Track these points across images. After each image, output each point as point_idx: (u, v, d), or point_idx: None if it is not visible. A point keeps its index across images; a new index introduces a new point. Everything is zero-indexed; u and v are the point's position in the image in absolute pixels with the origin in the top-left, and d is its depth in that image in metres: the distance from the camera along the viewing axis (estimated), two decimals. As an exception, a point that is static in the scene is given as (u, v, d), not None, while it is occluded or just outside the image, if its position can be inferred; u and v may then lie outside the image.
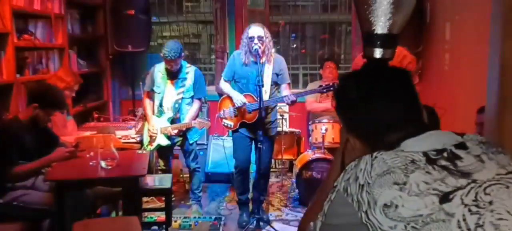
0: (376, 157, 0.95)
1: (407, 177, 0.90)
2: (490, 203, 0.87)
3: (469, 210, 0.86)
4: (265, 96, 3.70)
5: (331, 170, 1.25)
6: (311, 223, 1.05)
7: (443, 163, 0.93)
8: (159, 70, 4.08)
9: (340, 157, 1.20)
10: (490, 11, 1.41)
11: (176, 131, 3.99)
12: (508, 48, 1.29)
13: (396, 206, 0.87)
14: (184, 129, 4.02)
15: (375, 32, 1.20)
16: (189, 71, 4.08)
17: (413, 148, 0.97)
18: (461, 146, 0.98)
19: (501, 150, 1.01)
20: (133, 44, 4.96)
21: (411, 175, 0.90)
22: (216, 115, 4.01)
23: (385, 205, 0.88)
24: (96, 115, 4.87)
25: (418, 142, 0.98)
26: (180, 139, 4.12)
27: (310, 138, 4.90)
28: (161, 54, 3.92)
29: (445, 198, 0.87)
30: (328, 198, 1.00)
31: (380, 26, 1.19)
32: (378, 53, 1.22)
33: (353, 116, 1.11)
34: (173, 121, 4.06)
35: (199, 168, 4.28)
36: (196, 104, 4.11)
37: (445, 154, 0.95)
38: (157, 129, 4.02)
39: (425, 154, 0.94)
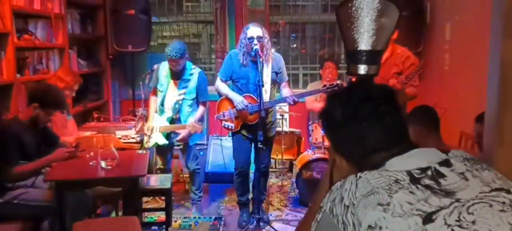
0: (360, 177, 0.95)
1: (391, 197, 0.90)
2: (473, 222, 0.87)
3: None
4: (265, 96, 3.69)
5: (319, 189, 1.25)
6: None
7: (427, 182, 0.93)
8: (164, 68, 4.08)
9: (328, 176, 1.21)
10: (490, 11, 1.41)
11: (179, 137, 4.02)
12: (508, 48, 1.29)
13: (380, 228, 0.87)
14: (178, 130, 4.03)
15: (358, 49, 1.23)
16: (194, 73, 4.08)
17: (398, 167, 0.97)
18: (445, 163, 0.98)
19: (486, 166, 1.01)
20: (133, 44, 4.96)
21: (394, 195, 0.90)
22: (215, 116, 3.99)
23: (369, 226, 0.88)
24: (96, 115, 4.87)
25: (402, 161, 0.99)
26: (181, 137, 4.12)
27: (310, 138, 4.90)
28: (165, 53, 3.93)
29: (428, 218, 0.87)
30: (315, 219, 1.01)
31: (364, 43, 1.21)
32: (362, 69, 1.24)
33: (338, 136, 1.12)
34: (172, 121, 4.06)
35: (199, 168, 4.28)
36: (201, 108, 4.12)
37: (429, 172, 0.95)
38: (156, 127, 4.02)
39: (409, 173, 0.94)
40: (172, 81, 4.05)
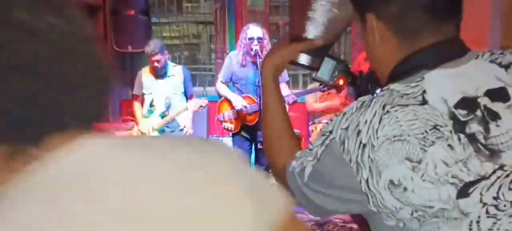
0: (388, 112, 0.72)
1: (424, 151, 0.70)
2: None
3: (487, 211, 0.71)
4: (265, 97, 3.69)
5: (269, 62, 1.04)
6: (293, 163, 0.85)
7: (474, 128, 0.71)
8: (145, 72, 4.11)
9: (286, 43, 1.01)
10: (490, 11, 1.41)
11: (170, 121, 3.98)
12: (508, 48, 1.29)
13: (405, 189, 0.70)
14: (176, 116, 3.99)
15: (305, 37, 1.10)
16: (176, 70, 4.10)
17: (438, 90, 0.73)
18: (502, 93, 0.74)
19: None
20: (133, 45, 4.96)
21: (429, 149, 0.69)
22: (215, 118, 3.99)
23: (391, 182, 0.71)
24: (96, 116, 4.86)
25: (446, 81, 0.74)
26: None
27: (310, 138, 4.90)
28: (146, 53, 3.96)
29: (463, 191, 0.70)
30: (322, 141, 0.79)
31: (312, 32, 1.09)
32: (304, 59, 1.11)
33: None
34: (164, 116, 4.06)
35: None
36: (193, 100, 4.10)
37: (478, 112, 0.72)
38: (149, 129, 4.02)
39: (452, 115, 0.72)
40: (158, 80, 4.06)
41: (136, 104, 4.18)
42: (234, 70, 3.84)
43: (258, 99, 3.59)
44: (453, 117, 0.72)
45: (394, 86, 0.76)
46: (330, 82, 1.09)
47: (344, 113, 0.76)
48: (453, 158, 0.70)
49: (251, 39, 3.64)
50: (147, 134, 4.02)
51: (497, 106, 0.73)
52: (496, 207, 0.71)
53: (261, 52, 3.64)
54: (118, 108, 5.76)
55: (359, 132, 0.72)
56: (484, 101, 0.73)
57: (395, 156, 0.70)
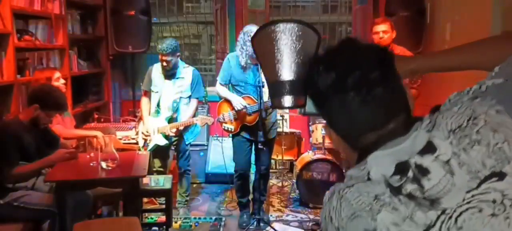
0: (342, 196, 0.85)
1: (374, 221, 0.80)
2: None
3: None
4: (264, 98, 3.69)
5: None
6: None
7: (409, 187, 0.80)
8: (157, 69, 4.08)
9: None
10: (490, 11, 1.41)
11: (174, 130, 3.98)
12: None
13: None
14: (182, 127, 4.01)
15: (281, 80, 1.09)
16: (187, 71, 4.08)
17: (378, 168, 0.84)
18: (429, 148, 0.82)
19: (475, 136, 0.82)
20: (134, 45, 4.96)
21: (378, 216, 0.80)
22: (216, 119, 3.99)
23: None
24: (96, 115, 4.87)
25: (385, 158, 0.85)
26: (177, 139, 4.12)
27: (311, 138, 4.90)
28: (157, 50, 3.95)
29: None
30: None
31: (286, 73, 1.08)
32: (287, 101, 1.10)
33: (324, 108, 0.94)
34: (171, 120, 4.06)
35: (189, 170, 4.26)
36: (193, 103, 4.10)
37: (410, 173, 0.81)
38: (154, 129, 4.02)
39: (387, 183, 0.82)
40: (166, 81, 4.05)
41: (144, 100, 4.16)
42: (233, 72, 3.82)
43: (258, 99, 3.58)
44: (388, 184, 0.82)
45: (349, 172, 0.90)
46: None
47: (323, 205, 0.89)
48: (400, 217, 0.79)
49: None
50: (151, 134, 4.02)
51: (426, 161, 0.81)
52: None
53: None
54: (118, 109, 5.77)
55: (331, 219, 0.86)
56: (414, 159, 0.82)
57: None
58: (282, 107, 1.11)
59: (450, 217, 0.78)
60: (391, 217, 0.79)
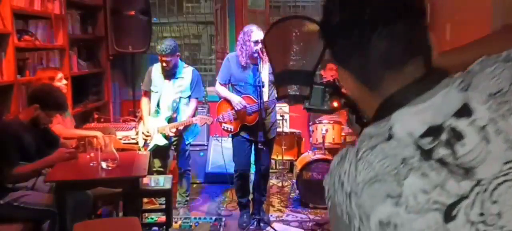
0: (360, 158, 0.77)
1: (400, 186, 0.72)
2: (499, 215, 0.71)
3: (477, 230, 0.70)
4: (264, 97, 3.69)
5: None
6: None
7: (441, 153, 0.73)
8: (156, 69, 4.08)
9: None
10: (490, 11, 1.41)
11: (174, 130, 3.98)
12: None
13: (395, 226, 0.71)
14: (182, 127, 4.01)
15: (288, 69, 1.13)
16: (186, 71, 4.08)
17: (404, 124, 0.76)
18: (465, 110, 0.75)
19: None
20: (134, 45, 4.96)
21: (405, 181, 0.72)
22: (215, 119, 3.99)
23: (380, 222, 0.72)
24: (96, 115, 4.87)
25: (412, 116, 0.77)
26: (176, 139, 4.12)
27: (311, 138, 4.90)
28: (156, 51, 3.95)
29: (448, 214, 0.71)
30: (328, 207, 0.83)
31: (293, 64, 1.12)
32: (293, 90, 1.13)
33: (338, 46, 0.88)
34: (170, 120, 4.06)
35: (189, 170, 4.26)
36: (193, 103, 4.10)
37: (443, 136, 0.74)
38: (154, 129, 4.01)
39: (417, 146, 0.74)
40: (166, 81, 4.05)
41: (144, 100, 4.17)
42: (233, 72, 3.83)
43: (259, 99, 3.58)
44: (418, 146, 0.74)
45: (366, 130, 0.81)
46: (325, 107, 1.10)
47: (330, 171, 0.81)
48: (430, 184, 0.72)
49: (256, 42, 3.63)
50: (151, 134, 4.01)
51: (461, 124, 0.74)
52: (484, 223, 0.71)
53: (262, 52, 3.64)
54: (118, 109, 5.77)
55: (342, 184, 0.77)
56: (449, 121, 0.75)
57: (376, 197, 0.72)
58: (287, 96, 1.12)
59: (486, 190, 0.72)
60: (420, 183, 0.72)
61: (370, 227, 0.72)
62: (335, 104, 1.09)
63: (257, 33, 3.67)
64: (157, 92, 4.07)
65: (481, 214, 0.71)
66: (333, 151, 4.53)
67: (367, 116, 0.90)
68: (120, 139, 4.20)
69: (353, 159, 0.77)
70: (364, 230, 0.73)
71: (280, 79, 1.14)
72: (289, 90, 1.11)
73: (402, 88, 0.81)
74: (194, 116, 4.10)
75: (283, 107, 4.77)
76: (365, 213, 0.73)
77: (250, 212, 4.07)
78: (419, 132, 0.75)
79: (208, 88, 5.32)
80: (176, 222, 3.99)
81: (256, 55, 3.60)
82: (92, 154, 3.10)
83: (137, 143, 4.17)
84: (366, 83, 0.85)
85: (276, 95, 4.00)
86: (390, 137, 0.76)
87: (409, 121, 0.76)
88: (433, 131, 0.74)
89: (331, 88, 1.09)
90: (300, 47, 1.11)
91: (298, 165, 4.49)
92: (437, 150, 0.73)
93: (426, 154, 0.73)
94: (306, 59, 1.09)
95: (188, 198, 4.29)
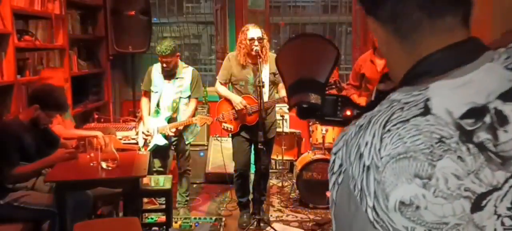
0: (389, 130, 0.68)
1: (433, 166, 0.65)
2: None
3: (502, 224, 0.66)
4: (264, 97, 3.69)
5: None
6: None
7: (482, 137, 0.67)
8: (156, 69, 4.09)
9: None
10: (490, 11, 1.41)
11: (174, 130, 3.98)
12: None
13: (418, 207, 0.66)
14: (182, 127, 4.01)
15: (301, 78, 1.15)
16: (186, 71, 4.08)
17: (443, 99, 0.69)
18: (511, 94, 0.69)
19: None
20: (134, 45, 4.96)
21: (438, 163, 0.65)
22: (215, 118, 3.99)
23: (402, 202, 0.66)
24: (96, 115, 4.87)
25: (453, 92, 0.70)
26: (176, 139, 4.12)
27: (311, 138, 4.90)
28: (156, 52, 3.95)
29: (477, 204, 0.66)
30: (335, 181, 0.75)
31: (306, 73, 1.15)
32: (308, 97, 1.15)
33: None
34: (170, 120, 4.06)
35: (189, 170, 4.26)
36: (192, 103, 4.10)
37: (487, 119, 0.67)
38: (154, 128, 4.01)
39: (458, 126, 0.67)
40: (166, 81, 4.05)
41: (144, 100, 4.16)
42: (233, 72, 3.83)
43: (259, 99, 3.58)
44: (459, 127, 0.67)
45: (394, 95, 0.73)
46: (340, 118, 1.10)
47: (345, 142, 0.74)
48: (464, 170, 0.66)
49: (251, 39, 3.64)
50: (151, 134, 4.01)
51: (507, 108, 0.68)
52: (511, 217, 0.67)
53: (262, 52, 3.64)
54: (118, 109, 5.77)
55: (361, 155, 0.69)
56: (494, 104, 0.68)
57: (403, 175, 0.66)
58: (299, 103, 1.11)
59: None
60: (455, 167, 0.66)
61: (387, 206, 0.66)
62: (348, 113, 1.08)
63: (252, 30, 3.68)
64: (157, 92, 4.07)
65: (510, 208, 0.66)
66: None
67: (393, 78, 0.82)
68: (120, 139, 4.20)
69: (378, 130, 0.69)
70: (379, 209, 0.67)
71: (292, 89, 1.15)
72: (301, 99, 1.12)
73: (438, 51, 0.73)
74: (194, 116, 4.10)
75: (283, 108, 4.77)
76: (383, 191, 0.66)
77: (250, 212, 4.07)
78: (459, 112, 0.68)
79: (208, 89, 5.32)
80: (176, 222, 3.99)
81: (254, 53, 3.61)
82: (92, 154, 3.10)
83: (137, 143, 4.17)
84: (398, 33, 0.76)
85: (276, 95, 4.01)
86: (426, 112, 0.68)
87: (449, 96, 0.69)
88: (476, 112, 0.68)
89: (343, 98, 1.09)
90: (313, 60, 1.13)
91: (298, 165, 4.49)
92: (478, 133, 0.67)
93: (466, 136, 0.67)
94: (318, 72, 1.11)
95: (188, 198, 4.29)
